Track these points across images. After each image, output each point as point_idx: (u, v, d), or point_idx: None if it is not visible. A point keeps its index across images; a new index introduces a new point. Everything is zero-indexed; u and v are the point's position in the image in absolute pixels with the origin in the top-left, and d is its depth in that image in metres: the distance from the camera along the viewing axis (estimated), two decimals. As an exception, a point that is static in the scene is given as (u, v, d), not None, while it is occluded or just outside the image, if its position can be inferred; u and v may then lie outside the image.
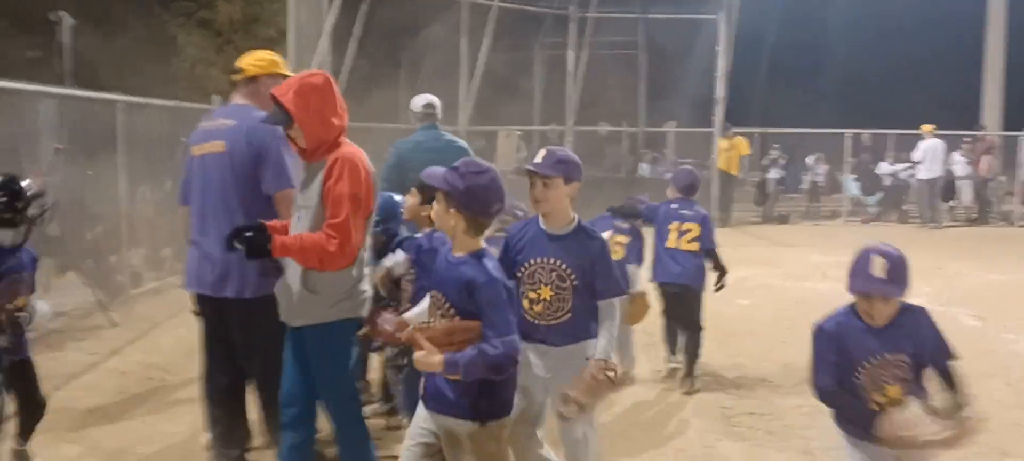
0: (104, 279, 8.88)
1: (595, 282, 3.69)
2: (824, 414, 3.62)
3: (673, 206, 6.46)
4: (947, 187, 17.31)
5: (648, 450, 5.22)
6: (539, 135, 19.96)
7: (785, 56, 24.43)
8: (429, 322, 3.35)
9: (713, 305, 6.61)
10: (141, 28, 19.17)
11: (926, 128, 16.83)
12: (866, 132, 18.38)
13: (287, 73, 4.34)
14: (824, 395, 3.42)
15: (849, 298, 3.44)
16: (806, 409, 5.59)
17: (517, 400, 3.71)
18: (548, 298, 3.71)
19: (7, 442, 4.47)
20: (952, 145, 17.43)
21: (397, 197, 4.86)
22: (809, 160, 18.75)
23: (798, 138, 18.92)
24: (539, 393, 3.82)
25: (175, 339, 7.46)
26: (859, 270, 3.31)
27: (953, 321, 8.03)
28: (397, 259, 4.48)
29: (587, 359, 3.66)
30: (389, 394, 5.21)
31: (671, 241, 6.34)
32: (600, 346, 3.66)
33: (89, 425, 5.52)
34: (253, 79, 4.39)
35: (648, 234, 6.47)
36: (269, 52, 4.61)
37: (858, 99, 24.49)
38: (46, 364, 6.68)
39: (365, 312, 3.84)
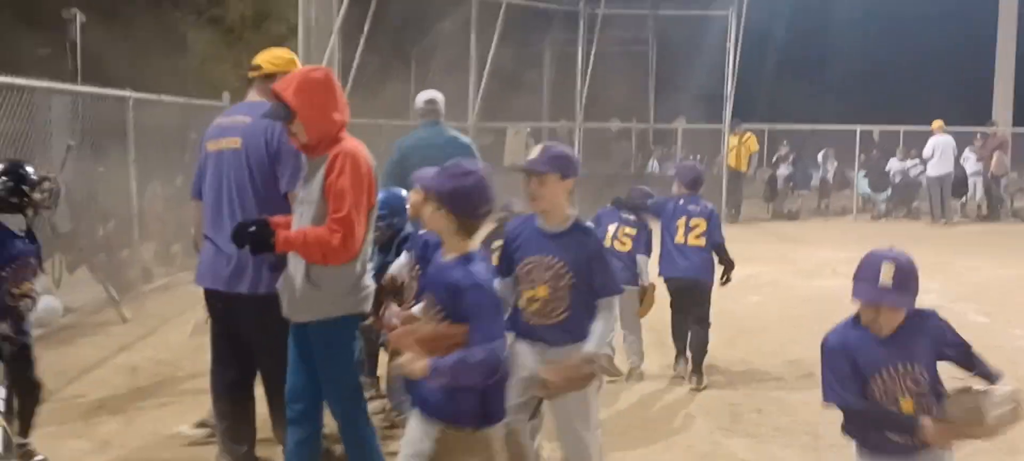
0: (115, 275, 8.93)
1: (593, 280, 3.65)
2: (832, 410, 3.61)
3: (680, 202, 6.49)
4: (958, 184, 17.24)
5: (656, 446, 5.23)
6: (548, 132, 19.95)
7: (794, 51, 24.33)
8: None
9: (722, 302, 6.61)
10: (151, 24, 19.20)
11: (936, 124, 16.77)
12: (876, 128, 18.32)
13: None
14: (849, 412, 3.21)
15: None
16: (814, 406, 5.55)
17: (515, 400, 3.70)
18: (545, 296, 3.66)
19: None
20: (963, 141, 17.37)
21: (402, 192, 4.88)
22: (819, 156, 18.71)
23: (807, 134, 18.86)
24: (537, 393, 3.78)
25: (185, 334, 7.49)
26: (866, 276, 3.10)
27: (960, 317, 7.95)
28: (400, 263, 4.50)
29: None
30: (396, 391, 5.22)
31: (679, 237, 6.39)
32: (591, 340, 3.61)
33: (99, 419, 5.56)
34: (270, 76, 4.38)
35: (655, 225, 6.52)
36: (286, 50, 4.61)
37: (868, 95, 24.41)
38: (57, 359, 6.76)
39: (368, 307, 3.85)
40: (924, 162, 16.98)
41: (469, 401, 3.11)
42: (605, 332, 3.64)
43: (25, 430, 4.53)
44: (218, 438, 4.49)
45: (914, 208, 17.92)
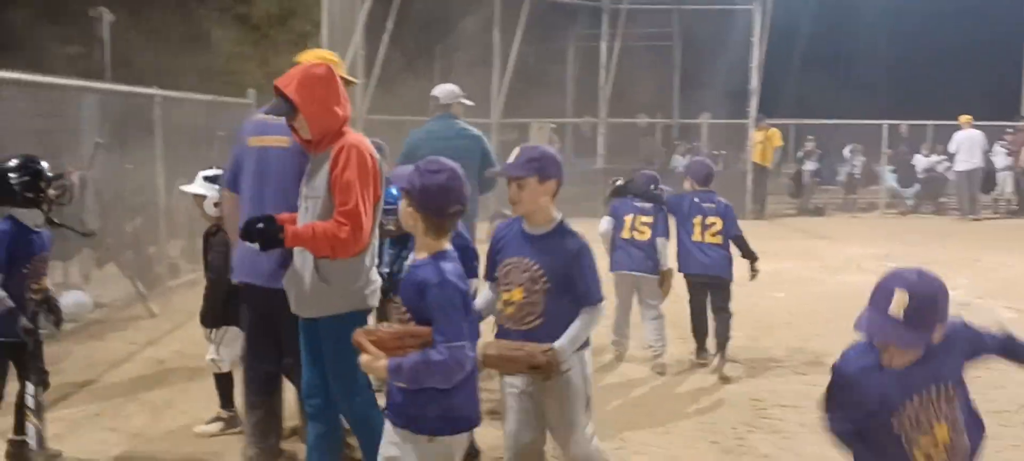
0: (143, 270, 9.04)
1: (574, 287, 3.53)
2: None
3: (695, 199, 6.57)
4: (987, 178, 17.04)
5: (681, 441, 5.22)
6: (572, 127, 19.92)
7: (820, 46, 24.08)
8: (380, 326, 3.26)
9: (748, 297, 6.61)
10: (177, 22, 19.37)
11: (964, 119, 16.56)
12: (904, 123, 18.13)
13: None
14: (838, 441, 2.96)
15: None
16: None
17: (510, 420, 3.68)
18: (519, 300, 3.56)
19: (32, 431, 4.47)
20: (993, 136, 17.15)
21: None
22: (846, 151, 18.54)
23: (834, 129, 18.69)
24: (527, 405, 3.68)
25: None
26: (877, 302, 2.69)
27: (988, 313, 7.93)
28: (406, 265, 4.52)
29: (566, 370, 3.52)
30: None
31: (696, 235, 6.49)
32: (562, 338, 3.46)
33: (126, 412, 5.64)
34: None
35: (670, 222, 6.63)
36: (329, 52, 4.63)
37: (895, 89, 24.13)
38: (87, 352, 6.89)
39: (375, 302, 3.86)
40: (950, 157, 16.79)
41: (430, 406, 2.98)
42: (578, 336, 3.52)
43: (22, 422, 4.53)
44: (247, 430, 4.52)
45: (942, 203, 17.73)
